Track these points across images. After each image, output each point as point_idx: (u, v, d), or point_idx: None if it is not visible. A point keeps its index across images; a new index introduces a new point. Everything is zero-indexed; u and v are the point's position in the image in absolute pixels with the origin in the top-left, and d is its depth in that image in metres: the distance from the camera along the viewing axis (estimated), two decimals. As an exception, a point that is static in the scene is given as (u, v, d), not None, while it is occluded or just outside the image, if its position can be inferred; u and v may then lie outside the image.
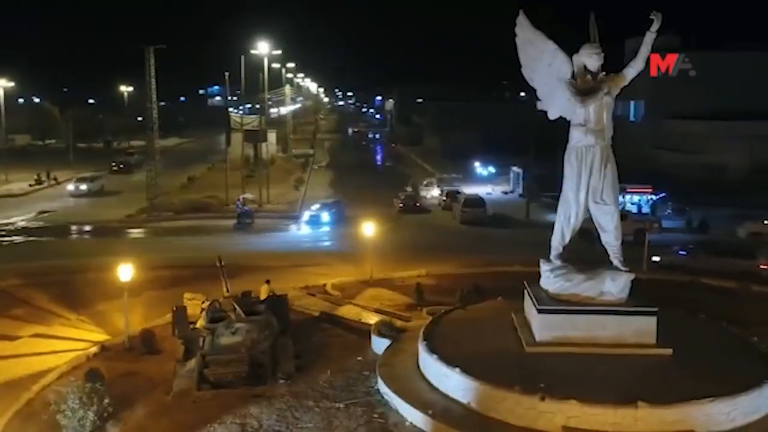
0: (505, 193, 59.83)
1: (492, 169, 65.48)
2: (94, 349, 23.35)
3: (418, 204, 54.13)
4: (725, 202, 48.11)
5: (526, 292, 20.91)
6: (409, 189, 57.91)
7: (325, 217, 47.49)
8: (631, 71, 18.76)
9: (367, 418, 18.04)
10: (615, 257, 19.38)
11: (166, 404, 19.54)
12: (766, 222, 41.64)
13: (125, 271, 23.69)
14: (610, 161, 19.22)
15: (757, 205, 45.16)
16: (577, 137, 19.17)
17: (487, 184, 62.56)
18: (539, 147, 76.93)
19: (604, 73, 19.03)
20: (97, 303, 28.90)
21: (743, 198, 49.14)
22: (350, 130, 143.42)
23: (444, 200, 54.31)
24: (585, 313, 18.76)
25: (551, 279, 19.69)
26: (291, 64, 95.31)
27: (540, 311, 18.95)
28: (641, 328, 18.57)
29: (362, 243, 37.36)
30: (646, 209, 46.56)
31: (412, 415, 17.53)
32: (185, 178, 69.68)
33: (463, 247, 40.47)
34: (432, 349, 19.02)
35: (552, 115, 20.17)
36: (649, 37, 18.26)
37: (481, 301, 26.21)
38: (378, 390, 19.43)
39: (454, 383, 17.74)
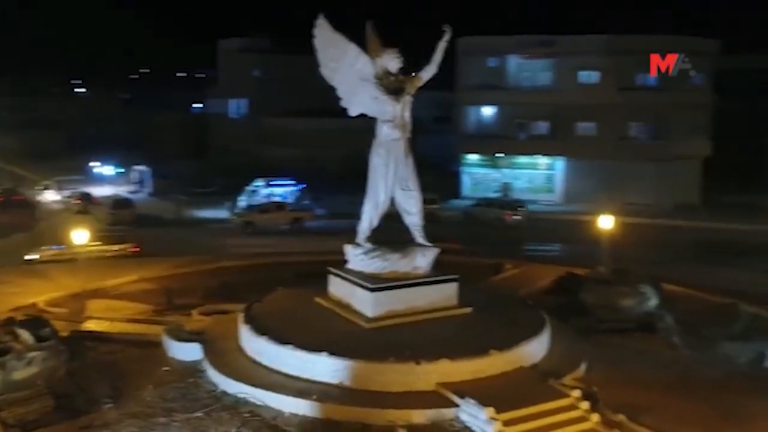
0: (132, 193, 57.63)
1: (120, 169, 62.20)
2: None
3: (19, 197, 52.84)
4: (345, 190, 53.73)
5: (337, 276, 22.38)
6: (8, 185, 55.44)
7: None
8: (426, 74, 21.57)
9: (240, 420, 17.71)
10: (420, 236, 22.16)
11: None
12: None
13: None
14: (411, 152, 21.88)
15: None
16: (385, 132, 21.34)
17: (110, 184, 59.42)
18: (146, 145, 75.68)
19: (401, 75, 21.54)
20: None
21: (347, 185, 54.83)
22: None
23: (77, 203, 50.43)
24: (408, 287, 21.20)
25: (367, 261, 21.58)
26: None
27: (373, 290, 20.76)
28: (448, 293, 21.83)
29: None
30: (291, 200, 50.12)
31: (289, 405, 17.84)
32: None
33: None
34: (283, 341, 19.37)
35: (353, 112, 21.91)
36: (442, 46, 21.29)
37: (231, 297, 26.66)
38: (225, 392, 19.02)
39: (321, 367, 18.54)
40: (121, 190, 57.29)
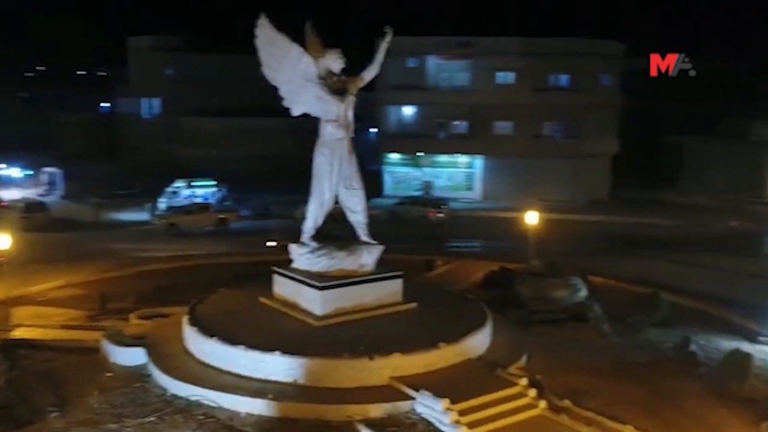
0: (43, 196, 55.24)
1: (29, 171, 59.26)
2: None
3: None
4: (267, 190, 53.25)
5: (282, 276, 22.40)
6: None
7: None
8: (369, 74, 21.87)
9: (195, 422, 17.58)
10: (364, 234, 22.48)
11: None
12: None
13: None
14: (354, 151, 22.20)
15: (287, 191, 50.98)
16: (329, 132, 21.55)
17: (18, 187, 56.70)
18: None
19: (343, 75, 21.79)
20: None
21: (267, 185, 54.14)
22: None
23: (-17, 208, 48.00)
24: (355, 284, 21.48)
25: (314, 259, 21.73)
26: None
27: (322, 288, 20.94)
28: (393, 289, 22.26)
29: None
30: (212, 201, 49.35)
31: (244, 405, 17.83)
32: None
33: (58, 254, 37.22)
34: (234, 341, 19.31)
35: (296, 112, 21.95)
36: (384, 47, 21.65)
37: (165, 300, 26.32)
38: (176, 395, 18.80)
39: (274, 366, 18.60)
40: (31, 193, 54.83)
